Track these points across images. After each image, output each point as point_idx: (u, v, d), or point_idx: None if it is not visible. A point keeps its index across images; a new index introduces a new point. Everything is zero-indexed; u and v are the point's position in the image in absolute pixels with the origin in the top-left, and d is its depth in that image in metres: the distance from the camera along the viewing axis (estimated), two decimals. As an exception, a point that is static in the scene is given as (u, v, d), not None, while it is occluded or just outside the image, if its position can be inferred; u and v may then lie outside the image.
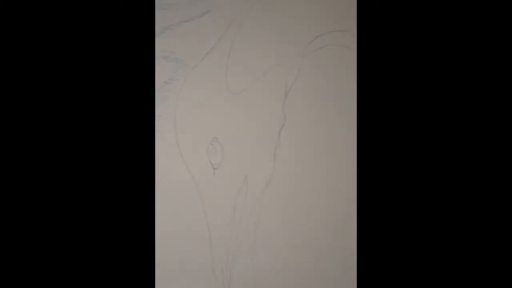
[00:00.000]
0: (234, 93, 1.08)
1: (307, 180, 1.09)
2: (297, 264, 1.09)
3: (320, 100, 1.09)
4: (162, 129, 1.06)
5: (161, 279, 1.05)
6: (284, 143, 1.08)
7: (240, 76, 1.08)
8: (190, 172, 1.07)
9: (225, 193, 1.08)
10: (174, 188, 1.06)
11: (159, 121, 1.06)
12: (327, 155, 1.09)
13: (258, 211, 1.08)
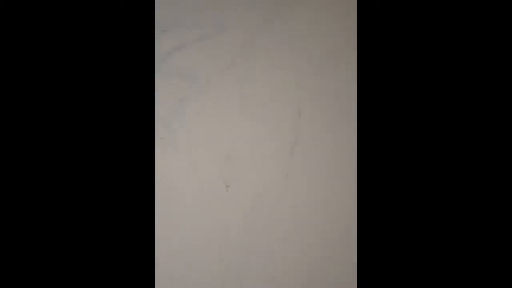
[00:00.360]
0: (248, 111, 1.08)
1: (319, 198, 1.09)
2: (309, 281, 1.09)
3: (333, 118, 1.09)
4: (176, 145, 1.07)
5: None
6: (296, 161, 1.09)
7: (254, 94, 1.08)
8: (203, 189, 1.07)
9: (237, 210, 1.08)
10: (187, 204, 1.07)
11: (173, 137, 1.07)
12: (340, 174, 1.09)
13: (270, 228, 1.08)
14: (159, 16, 1.06)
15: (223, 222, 1.08)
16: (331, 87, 1.09)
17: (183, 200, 1.07)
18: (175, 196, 1.07)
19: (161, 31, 1.06)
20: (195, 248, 1.07)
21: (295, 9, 1.09)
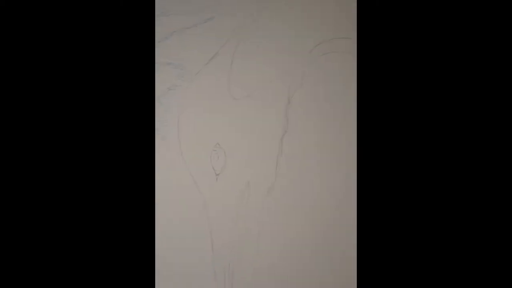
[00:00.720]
0: (237, 99, 1.08)
1: (309, 187, 1.09)
2: (298, 270, 1.09)
3: (323, 107, 1.09)
4: (165, 135, 1.07)
5: (163, 283, 1.06)
6: (286, 150, 1.09)
7: (243, 82, 1.08)
8: (193, 177, 1.08)
9: (227, 198, 1.08)
10: (177, 193, 1.07)
11: (162, 127, 1.07)
12: (329, 162, 1.09)
13: (260, 216, 1.09)
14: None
15: (213, 210, 1.08)
16: (320, 75, 1.09)
17: (172, 189, 1.07)
18: (165, 185, 1.07)
19: (149, 20, 1.06)
20: (185, 237, 1.07)
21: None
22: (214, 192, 1.08)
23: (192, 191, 1.07)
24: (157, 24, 1.06)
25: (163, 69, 1.06)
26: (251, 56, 1.08)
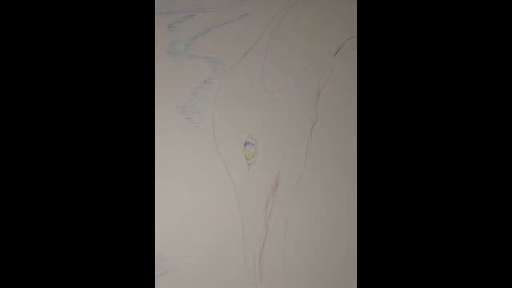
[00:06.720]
0: (269, 92, 1.12)
1: (337, 177, 1.11)
2: (326, 258, 1.11)
3: (351, 99, 1.11)
4: (201, 125, 1.11)
5: (194, 271, 1.10)
6: (315, 141, 1.11)
7: (275, 75, 1.12)
8: (226, 167, 1.12)
9: (258, 188, 1.11)
10: (210, 181, 1.11)
11: (198, 118, 1.11)
12: (355, 153, 1.11)
13: (289, 205, 1.11)
14: (186, 2, 1.11)
15: (245, 198, 1.11)
16: (348, 69, 1.12)
17: (206, 177, 1.11)
18: (199, 174, 1.11)
19: (187, 16, 1.11)
20: (217, 224, 1.11)
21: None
22: (246, 180, 1.11)
23: (225, 179, 1.11)
24: (194, 20, 1.11)
25: (200, 63, 1.11)
26: (283, 50, 1.12)
